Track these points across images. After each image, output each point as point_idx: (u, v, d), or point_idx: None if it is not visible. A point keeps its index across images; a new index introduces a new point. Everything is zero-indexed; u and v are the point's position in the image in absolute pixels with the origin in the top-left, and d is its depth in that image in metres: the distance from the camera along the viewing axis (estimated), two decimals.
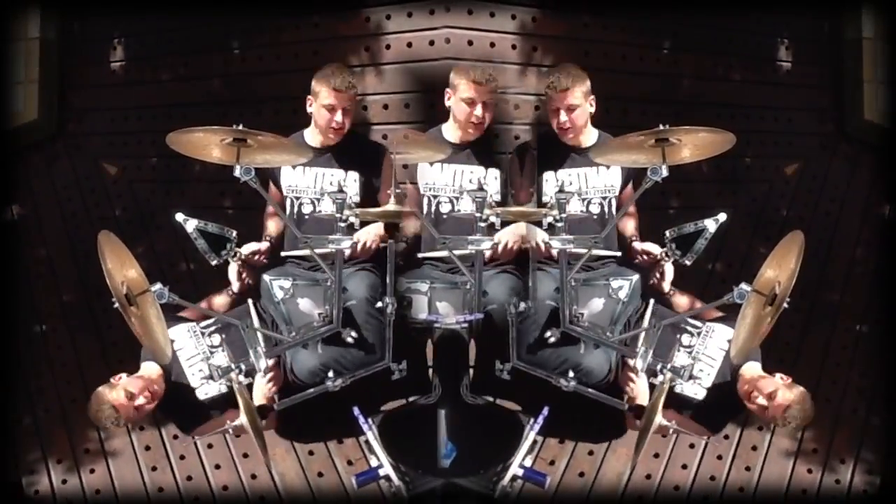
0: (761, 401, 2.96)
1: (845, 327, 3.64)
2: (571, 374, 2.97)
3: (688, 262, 2.99)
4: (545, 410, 2.95)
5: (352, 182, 3.41)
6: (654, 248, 3.21)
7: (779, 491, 3.14)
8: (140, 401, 2.95)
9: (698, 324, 3.08)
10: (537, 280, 3.24)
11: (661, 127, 2.75)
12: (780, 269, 2.61)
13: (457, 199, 3.43)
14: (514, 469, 2.89)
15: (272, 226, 3.49)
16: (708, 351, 3.08)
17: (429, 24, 3.86)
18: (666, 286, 3.23)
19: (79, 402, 3.22)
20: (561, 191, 2.90)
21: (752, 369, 3.08)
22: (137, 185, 4.37)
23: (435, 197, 3.47)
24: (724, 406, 3.10)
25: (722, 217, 2.94)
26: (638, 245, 3.32)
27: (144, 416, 3.08)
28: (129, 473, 3.13)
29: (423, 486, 2.85)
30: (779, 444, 3.16)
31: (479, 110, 3.35)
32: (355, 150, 3.47)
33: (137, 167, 4.44)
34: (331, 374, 2.97)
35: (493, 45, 3.88)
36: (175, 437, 3.19)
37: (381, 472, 2.88)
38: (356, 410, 2.96)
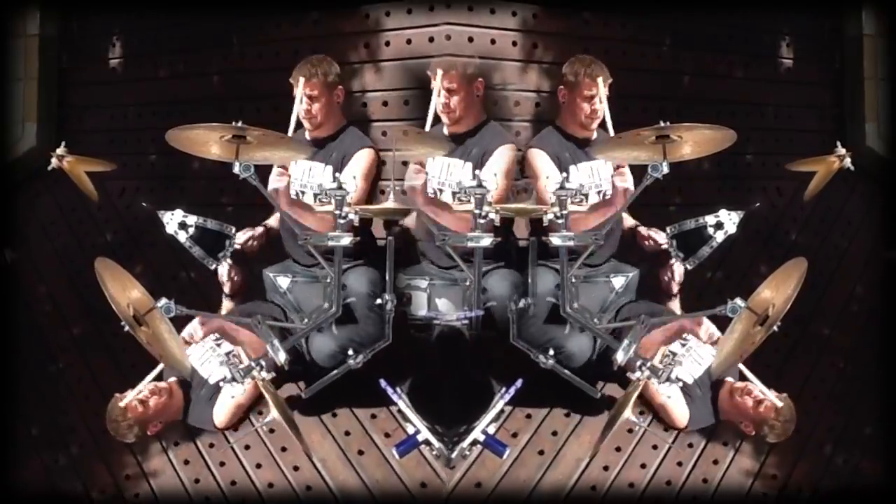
0: (749, 401, 3.00)
1: (829, 362, 3.62)
2: (552, 352, 3.01)
3: (689, 266, 2.99)
4: (518, 382, 3.02)
5: (327, 175, 3.39)
6: (661, 237, 3.21)
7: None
8: (152, 401, 3.03)
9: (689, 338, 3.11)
10: (538, 276, 3.23)
11: (662, 124, 2.75)
12: (778, 291, 2.62)
13: (440, 190, 3.42)
14: (476, 434, 2.96)
15: (272, 219, 3.50)
16: (690, 361, 3.10)
17: (428, 21, 3.85)
18: (675, 287, 3.22)
19: (108, 433, 3.23)
20: (561, 188, 2.89)
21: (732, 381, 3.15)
22: (125, 209, 4.38)
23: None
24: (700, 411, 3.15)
25: (722, 214, 2.94)
26: (644, 230, 3.33)
27: (160, 416, 3.11)
28: (172, 490, 3.11)
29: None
30: (740, 463, 3.15)
31: (443, 97, 3.37)
32: (339, 144, 3.47)
33: (137, 164, 4.44)
34: (350, 352, 3.02)
35: (493, 41, 3.87)
36: (211, 445, 3.18)
37: (420, 437, 2.96)
38: (383, 382, 3.02)
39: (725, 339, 2.73)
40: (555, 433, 3.22)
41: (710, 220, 2.95)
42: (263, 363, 2.95)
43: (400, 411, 3.09)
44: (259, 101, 4.04)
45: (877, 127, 4.62)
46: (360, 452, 3.17)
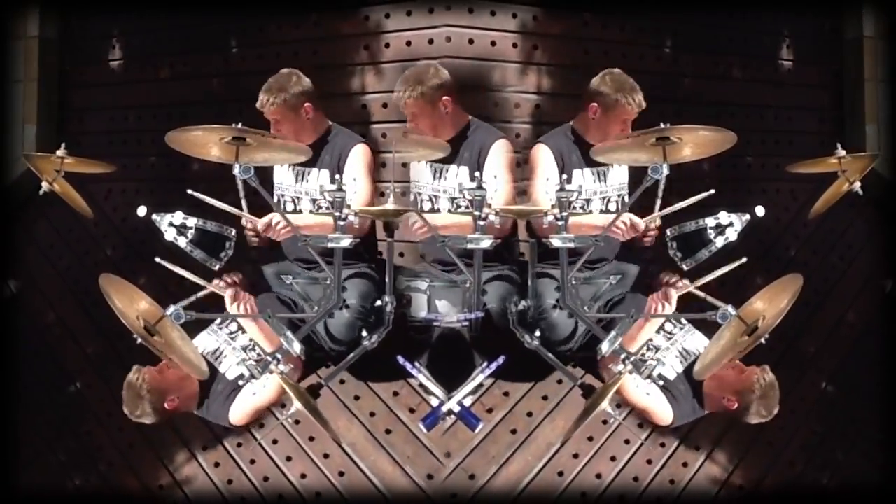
0: (732, 372, 2.97)
1: (812, 380, 3.62)
2: (538, 332, 3.04)
3: (685, 267, 2.98)
4: (501, 359, 3.03)
5: (322, 179, 3.40)
6: (640, 223, 3.15)
7: None
8: (169, 372, 3.00)
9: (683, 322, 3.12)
10: (540, 286, 3.24)
11: (662, 126, 2.75)
12: (770, 304, 2.64)
13: (436, 196, 3.42)
14: (452, 404, 2.97)
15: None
16: (673, 356, 3.12)
17: (428, 23, 3.85)
18: (669, 309, 3.18)
19: (136, 447, 3.29)
20: (562, 189, 2.89)
21: None
22: (122, 222, 4.37)
23: (419, 194, 3.46)
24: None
25: (722, 216, 2.93)
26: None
27: (177, 389, 3.05)
28: (208, 494, 3.13)
29: None
30: (709, 469, 3.17)
31: (410, 120, 3.35)
32: (330, 146, 3.45)
33: (137, 165, 4.43)
34: (364, 332, 3.05)
35: (493, 43, 3.87)
36: (239, 444, 3.20)
37: (444, 409, 2.97)
38: (401, 359, 3.04)
39: (712, 345, 2.74)
40: (530, 414, 3.24)
41: (710, 221, 2.94)
42: (280, 356, 2.96)
43: (421, 385, 3.11)
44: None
45: (877, 129, 4.62)
46: (388, 431, 3.19)
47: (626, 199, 3.37)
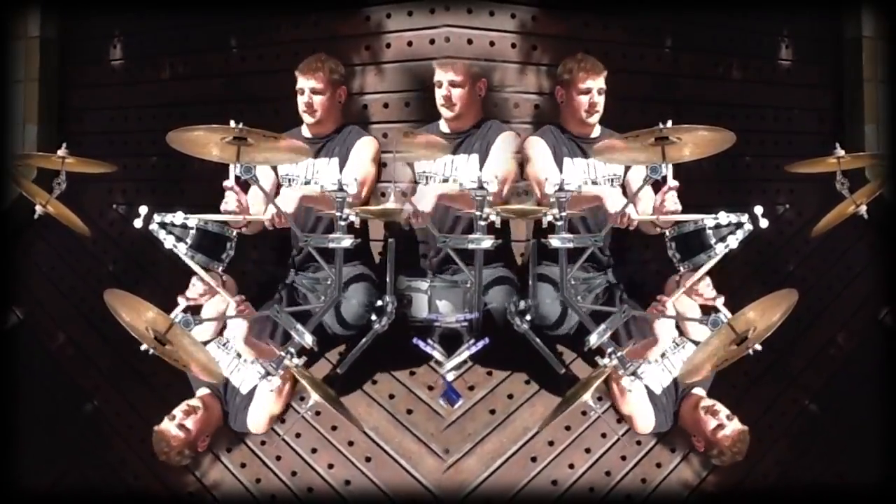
0: (711, 423, 3.01)
1: (794, 397, 3.61)
2: (528, 316, 3.07)
3: (681, 269, 2.99)
4: (486, 339, 3.08)
5: (332, 170, 3.43)
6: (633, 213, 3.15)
7: None
8: (190, 422, 3.04)
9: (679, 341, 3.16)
10: (539, 290, 3.25)
11: (662, 126, 2.75)
12: (763, 316, 2.65)
13: (446, 181, 3.44)
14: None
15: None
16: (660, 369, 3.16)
17: (429, 23, 3.85)
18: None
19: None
20: (560, 189, 2.90)
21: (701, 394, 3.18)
22: (119, 235, 4.37)
23: (430, 178, 3.50)
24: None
25: (721, 216, 2.94)
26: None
27: (204, 432, 3.12)
28: (237, 496, 3.13)
29: None
30: (682, 473, 3.16)
31: (445, 89, 3.45)
32: (342, 141, 3.51)
33: (137, 165, 4.44)
34: (374, 317, 3.09)
35: (492, 43, 3.87)
36: (263, 442, 3.20)
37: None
38: (416, 339, 3.10)
39: (699, 349, 2.75)
40: (511, 396, 3.26)
41: (709, 221, 2.94)
42: (293, 350, 2.97)
43: (437, 362, 3.15)
44: (259, 102, 4.05)
45: (876, 129, 4.63)
46: (409, 411, 3.20)
47: (617, 182, 3.44)
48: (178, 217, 2.94)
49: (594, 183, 3.40)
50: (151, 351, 2.67)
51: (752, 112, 4.45)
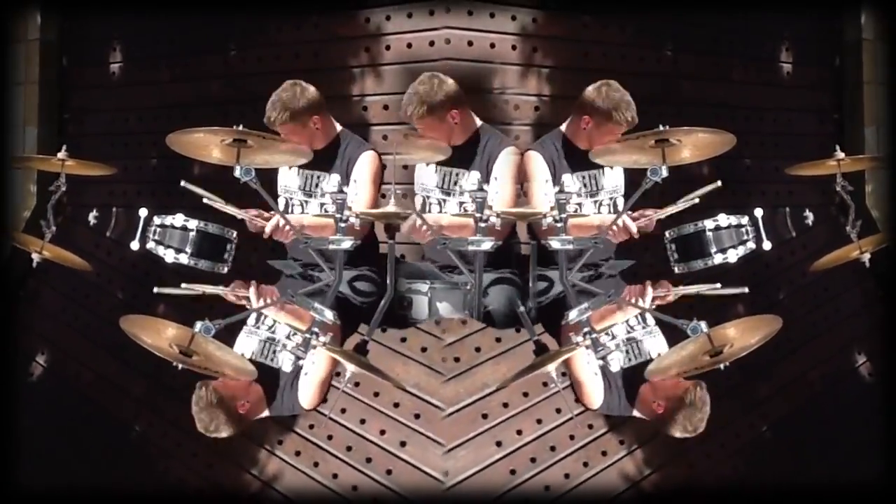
0: (669, 380, 2.93)
1: (751, 422, 3.59)
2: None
3: (676, 270, 2.99)
4: None
5: (333, 183, 3.38)
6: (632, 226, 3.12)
7: (594, 497, 3.14)
8: (231, 382, 2.96)
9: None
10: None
11: (661, 128, 2.76)
12: (741, 336, 2.66)
13: (444, 200, 3.42)
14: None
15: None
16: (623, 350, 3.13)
17: (429, 25, 3.86)
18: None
19: (215, 466, 3.31)
20: (561, 191, 2.90)
21: None
22: (120, 262, 4.34)
23: (427, 197, 3.47)
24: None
25: (721, 218, 2.94)
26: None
27: (244, 394, 3.01)
28: (301, 484, 3.15)
29: None
30: (624, 466, 3.16)
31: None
32: (341, 152, 3.44)
33: (138, 167, 4.44)
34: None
35: (493, 45, 3.88)
36: (311, 426, 3.19)
37: None
38: None
39: (673, 351, 2.75)
40: (478, 349, 3.23)
41: (708, 224, 2.94)
42: (317, 329, 2.96)
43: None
44: (260, 104, 4.02)
45: (876, 131, 4.63)
46: (456, 359, 3.18)
47: (619, 201, 3.36)
48: (178, 219, 2.94)
49: (594, 196, 3.36)
50: (181, 366, 2.67)
51: (752, 114, 4.45)
